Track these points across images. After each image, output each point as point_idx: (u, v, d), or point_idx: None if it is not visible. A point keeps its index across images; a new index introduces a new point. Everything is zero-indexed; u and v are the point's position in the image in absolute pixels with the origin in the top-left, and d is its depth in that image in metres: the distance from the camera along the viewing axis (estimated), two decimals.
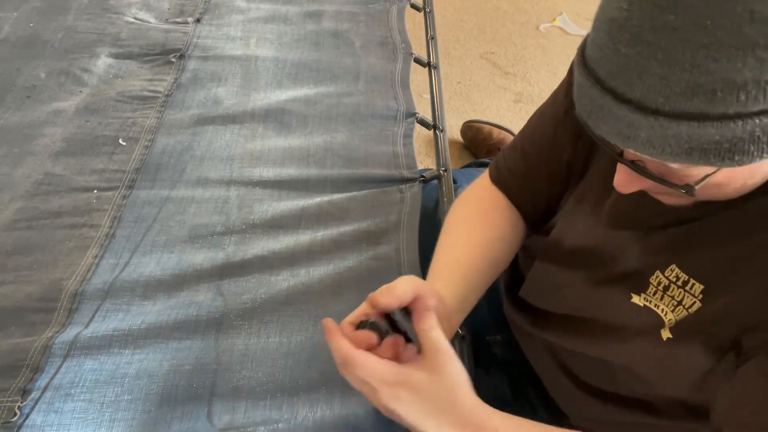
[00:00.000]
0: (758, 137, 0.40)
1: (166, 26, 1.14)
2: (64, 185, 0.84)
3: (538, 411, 0.76)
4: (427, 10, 1.22)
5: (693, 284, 0.53)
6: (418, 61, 1.12)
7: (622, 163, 0.48)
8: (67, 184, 0.84)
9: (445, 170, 0.91)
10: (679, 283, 0.54)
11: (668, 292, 0.56)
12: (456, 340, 0.69)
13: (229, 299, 0.72)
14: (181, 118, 0.96)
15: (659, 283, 0.56)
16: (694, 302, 0.53)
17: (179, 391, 0.63)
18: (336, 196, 0.86)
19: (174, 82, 1.02)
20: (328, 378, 0.64)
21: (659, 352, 0.57)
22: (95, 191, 0.83)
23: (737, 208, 0.51)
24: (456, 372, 0.51)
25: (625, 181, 0.50)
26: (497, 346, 0.80)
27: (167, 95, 1.00)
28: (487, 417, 0.51)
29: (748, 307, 0.50)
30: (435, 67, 1.10)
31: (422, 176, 0.90)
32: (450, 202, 0.86)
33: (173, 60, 1.06)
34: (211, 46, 1.11)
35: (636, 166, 0.47)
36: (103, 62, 1.05)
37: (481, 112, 1.83)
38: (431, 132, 1.01)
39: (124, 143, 0.91)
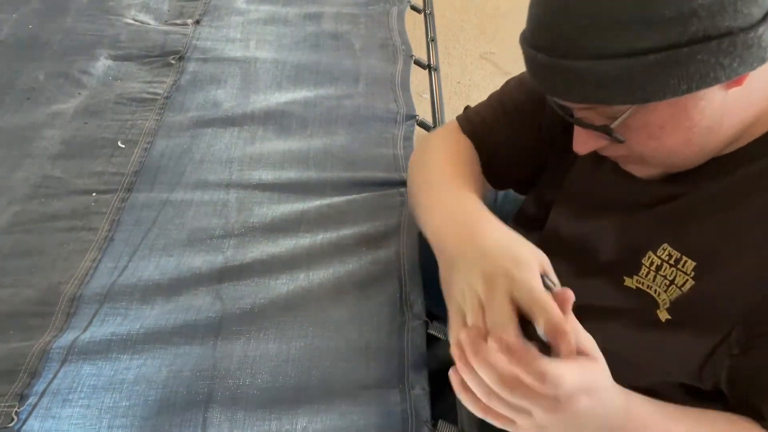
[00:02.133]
0: (656, 75, 0.44)
1: (165, 28, 1.14)
2: (62, 188, 0.83)
3: None
4: (427, 11, 1.22)
5: (685, 261, 0.54)
6: (418, 63, 1.12)
7: (570, 121, 0.53)
8: (66, 187, 0.83)
9: None
10: (672, 261, 0.55)
11: (660, 272, 0.56)
12: None
13: (228, 303, 0.71)
14: (180, 121, 0.96)
15: (651, 264, 0.57)
16: (687, 280, 0.54)
17: (178, 397, 0.62)
18: (336, 199, 0.85)
19: (173, 84, 1.02)
20: (328, 386, 0.64)
21: (657, 336, 0.56)
22: (94, 194, 0.83)
23: (719, 181, 0.53)
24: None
25: (577, 141, 0.54)
26: None
27: (166, 97, 0.99)
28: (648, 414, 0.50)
29: (744, 282, 0.51)
30: (435, 69, 1.10)
31: None
32: None
33: (172, 62, 1.06)
34: (210, 47, 1.10)
35: (580, 122, 0.52)
36: (102, 64, 1.05)
37: None
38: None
39: (123, 146, 0.90)
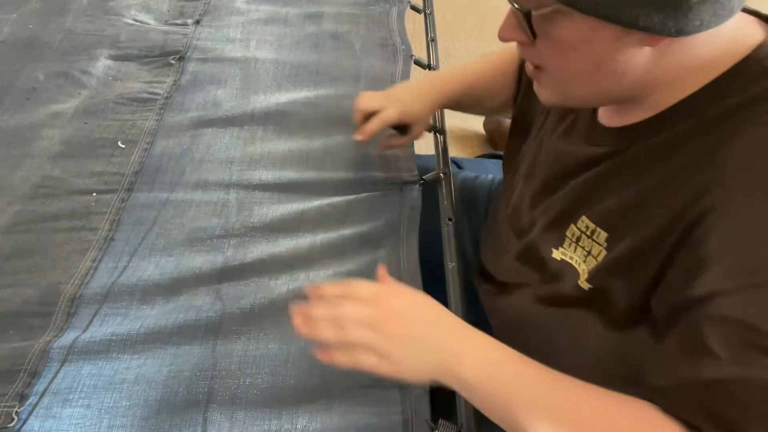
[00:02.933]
0: None
1: (165, 28, 1.14)
2: (62, 188, 0.83)
3: None
4: (427, 11, 1.22)
5: (599, 233, 0.56)
6: (418, 63, 1.12)
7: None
8: (66, 187, 0.84)
9: (445, 172, 0.91)
10: (588, 232, 0.57)
11: (580, 243, 0.58)
12: None
13: (228, 303, 0.72)
14: (180, 121, 0.96)
15: (573, 235, 0.59)
16: (601, 251, 0.56)
17: (178, 397, 0.62)
18: (336, 199, 0.85)
19: (173, 84, 1.02)
20: (328, 386, 0.64)
21: (582, 306, 0.58)
22: (94, 194, 0.83)
23: (643, 143, 0.54)
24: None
25: (503, 25, 0.54)
26: (487, 326, 0.80)
27: (166, 97, 0.99)
28: (476, 336, 0.55)
29: (649, 250, 0.51)
30: (435, 69, 1.10)
31: (422, 178, 0.89)
32: (450, 203, 0.86)
33: (172, 62, 1.06)
34: (210, 47, 1.10)
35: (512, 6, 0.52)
36: (102, 64, 1.05)
37: None
38: (431, 133, 1.00)
39: (123, 146, 0.90)
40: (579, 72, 0.52)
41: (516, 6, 0.50)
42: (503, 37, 0.55)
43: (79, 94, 0.99)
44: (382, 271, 0.60)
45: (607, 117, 0.60)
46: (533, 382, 0.51)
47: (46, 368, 0.63)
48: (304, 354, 0.67)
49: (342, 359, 0.55)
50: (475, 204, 0.92)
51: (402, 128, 0.86)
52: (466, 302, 0.74)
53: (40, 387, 0.62)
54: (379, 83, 1.05)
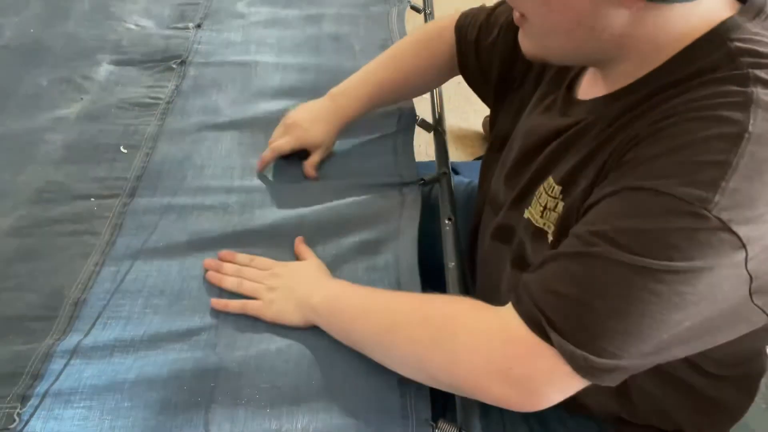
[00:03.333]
0: None
1: (166, 32, 1.15)
2: (65, 193, 0.84)
3: None
4: (427, 11, 1.22)
5: (555, 188, 0.59)
6: None
7: None
8: (69, 192, 0.84)
9: (445, 172, 0.91)
10: (549, 190, 0.60)
11: (539, 200, 0.62)
12: None
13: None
14: (182, 126, 0.96)
15: (539, 195, 0.62)
16: (557, 203, 0.59)
17: (179, 398, 0.62)
18: (336, 201, 0.85)
19: (175, 89, 1.02)
20: (328, 386, 0.64)
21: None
22: (96, 199, 0.84)
23: (606, 112, 0.56)
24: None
25: None
26: None
27: (168, 102, 1.00)
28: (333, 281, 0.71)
29: (583, 198, 0.54)
30: None
31: (422, 179, 0.89)
32: (450, 203, 0.86)
33: (174, 66, 1.07)
34: (211, 51, 1.11)
35: None
36: (104, 69, 1.05)
37: (482, 112, 1.83)
38: (431, 133, 1.00)
39: (125, 151, 0.91)
40: (559, 25, 0.53)
41: None
42: None
43: (81, 99, 1.00)
44: (298, 241, 0.78)
45: (583, 92, 0.63)
46: (362, 298, 0.66)
47: (49, 370, 0.63)
48: (305, 354, 0.67)
49: (234, 305, 0.71)
50: (471, 208, 0.92)
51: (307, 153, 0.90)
52: None
53: (42, 388, 0.62)
54: None
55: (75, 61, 1.07)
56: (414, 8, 1.24)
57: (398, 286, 0.74)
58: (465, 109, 1.86)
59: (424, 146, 1.64)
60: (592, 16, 0.50)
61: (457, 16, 0.87)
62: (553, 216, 0.59)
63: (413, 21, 1.23)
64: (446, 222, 0.83)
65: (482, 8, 0.85)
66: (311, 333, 0.69)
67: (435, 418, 0.62)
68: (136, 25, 1.16)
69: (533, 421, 0.73)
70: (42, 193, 0.84)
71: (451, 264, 0.78)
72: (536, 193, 0.63)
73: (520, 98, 0.78)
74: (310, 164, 0.89)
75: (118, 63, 1.07)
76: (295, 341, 0.68)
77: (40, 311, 0.70)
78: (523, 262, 0.64)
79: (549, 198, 0.60)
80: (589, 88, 0.62)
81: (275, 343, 0.68)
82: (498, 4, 0.84)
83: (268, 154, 0.87)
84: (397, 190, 0.87)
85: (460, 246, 0.81)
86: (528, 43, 0.58)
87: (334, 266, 0.76)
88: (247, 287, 0.72)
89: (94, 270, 0.75)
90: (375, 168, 0.91)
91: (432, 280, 0.77)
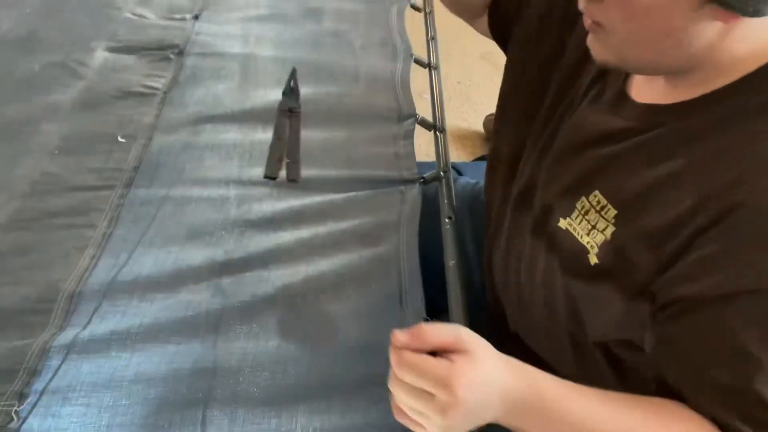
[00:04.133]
0: None
1: (164, 22, 1.13)
2: (61, 184, 0.83)
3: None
4: (428, 10, 1.22)
5: (609, 209, 0.56)
6: (418, 61, 1.11)
7: None
8: (64, 184, 0.83)
9: (446, 171, 0.91)
10: (598, 207, 0.57)
11: (586, 217, 0.58)
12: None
13: (228, 300, 0.71)
14: (179, 116, 0.95)
15: (583, 208, 0.59)
16: (608, 226, 0.55)
17: (177, 395, 0.62)
18: (335, 197, 0.85)
19: (172, 79, 1.01)
20: (328, 384, 0.64)
21: (587, 282, 0.59)
22: (93, 190, 0.82)
23: (672, 125, 0.53)
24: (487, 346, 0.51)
25: None
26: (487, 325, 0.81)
27: (165, 92, 0.99)
28: (542, 382, 0.51)
29: (656, 238, 0.52)
30: (435, 68, 1.10)
31: (422, 177, 0.89)
32: (450, 202, 0.86)
33: (171, 56, 1.05)
34: (209, 43, 1.10)
35: None
36: (99, 56, 1.04)
37: (482, 112, 1.83)
38: (431, 132, 1.00)
39: (123, 140, 0.90)
40: (646, 37, 0.50)
41: None
42: None
43: (77, 85, 0.98)
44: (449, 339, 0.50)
45: (638, 92, 0.59)
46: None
47: (46, 367, 0.62)
48: (304, 352, 0.67)
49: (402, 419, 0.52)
50: (477, 209, 0.92)
51: None
52: (466, 301, 0.74)
53: (39, 386, 0.61)
54: (378, 82, 1.05)
55: (69, 47, 1.04)
56: (414, 7, 1.24)
57: (399, 279, 0.74)
58: (465, 109, 1.86)
59: (424, 146, 1.64)
60: (683, 29, 0.48)
61: None
62: (600, 238, 0.56)
63: (413, 19, 1.23)
64: (446, 221, 0.83)
65: None
66: (312, 331, 0.69)
67: None
68: (134, 14, 1.14)
69: None
70: (37, 185, 0.82)
71: (451, 262, 0.78)
72: (579, 204, 0.59)
73: (550, 45, 0.73)
74: None
75: (114, 50, 1.05)
76: (295, 339, 0.68)
77: (37, 305, 0.69)
78: (560, 270, 0.62)
79: (600, 218, 0.57)
80: (647, 89, 0.58)
81: (275, 340, 0.68)
82: None
83: None
84: (397, 186, 0.87)
85: (460, 245, 0.81)
86: (601, 51, 0.54)
87: (335, 262, 0.76)
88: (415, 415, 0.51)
89: (91, 262, 0.74)
90: (376, 163, 0.91)
91: (432, 279, 0.77)
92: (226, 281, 0.73)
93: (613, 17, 0.50)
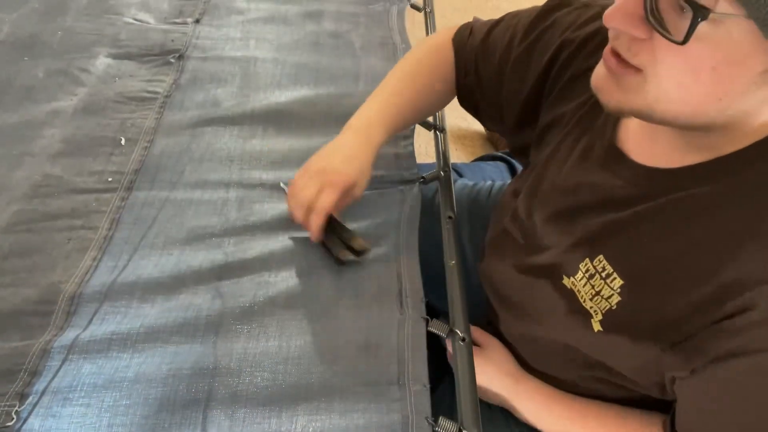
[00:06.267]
0: None
1: (165, 27, 1.14)
2: (62, 187, 0.83)
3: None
4: (428, 10, 1.22)
5: (615, 278, 0.53)
6: None
7: None
8: (66, 186, 0.83)
9: (446, 171, 0.91)
10: (603, 274, 0.54)
11: (591, 281, 0.55)
12: (456, 342, 0.69)
13: (228, 301, 0.71)
14: (180, 120, 0.95)
15: (587, 270, 0.56)
16: (613, 294, 0.53)
17: (178, 396, 0.62)
18: None
19: (173, 83, 1.02)
20: (328, 384, 0.64)
21: (593, 340, 0.57)
22: (94, 193, 0.83)
23: (682, 192, 0.49)
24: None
25: (618, 8, 0.43)
26: (487, 327, 0.81)
27: (166, 96, 0.99)
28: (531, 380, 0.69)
29: (668, 314, 0.49)
30: None
31: (422, 177, 0.89)
32: (450, 202, 0.86)
33: (172, 61, 1.06)
34: (210, 46, 1.10)
35: None
36: (101, 62, 1.04)
37: None
38: (431, 132, 1.00)
39: (124, 143, 0.90)
40: (697, 96, 0.43)
41: (689, 2, 0.39)
42: (615, 24, 0.43)
43: (79, 92, 0.99)
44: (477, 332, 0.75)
45: (637, 150, 0.54)
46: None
47: (47, 367, 0.63)
48: (304, 352, 0.67)
49: None
50: (476, 210, 0.91)
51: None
52: (466, 301, 0.74)
53: (40, 386, 0.61)
54: (379, 82, 1.05)
55: (72, 53, 1.05)
56: (414, 7, 1.24)
57: (399, 280, 0.74)
58: None
59: (424, 146, 1.64)
60: (743, 93, 0.42)
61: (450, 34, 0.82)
62: (604, 305, 0.54)
63: (413, 19, 1.23)
64: (447, 220, 0.83)
65: (476, 28, 0.79)
66: (312, 331, 0.69)
67: (435, 417, 0.62)
68: (135, 19, 1.15)
69: None
70: (39, 187, 0.83)
71: (451, 262, 0.78)
72: (582, 266, 0.56)
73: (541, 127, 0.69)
74: (350, 200, 0.76)
75: (115, 56, 1.06)
76: (295, 339, 0.68)
77: (37, 306, 0.69)
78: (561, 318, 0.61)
79: (605, 285, 0.53)
80: (647, 147, 0.53)
81: (275, 340, 0.68)
82: (494, 25, 0.78)
83: (316, 219, 0.72)
84: (397, 186, 0.87)
85: (460, 244, 0.81)
86: (621, 97, 0.47)
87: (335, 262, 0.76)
88: None
89: (92, 264, 0.74)
90: (376, 166, 0.90)
91: (432, 279, 0.77)
92: (226, 283, 0.74)
93: (662, 65, 0.43)
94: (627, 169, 0.53)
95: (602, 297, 0.54)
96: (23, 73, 1.01)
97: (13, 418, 0.58)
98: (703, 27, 0.39)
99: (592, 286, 0.55)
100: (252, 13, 1.20)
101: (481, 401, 0.66)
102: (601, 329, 0.55)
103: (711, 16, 0.38)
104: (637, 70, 0.44)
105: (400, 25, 1.18)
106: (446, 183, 0.89)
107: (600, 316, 0.54)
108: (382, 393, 0.64)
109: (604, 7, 0.45)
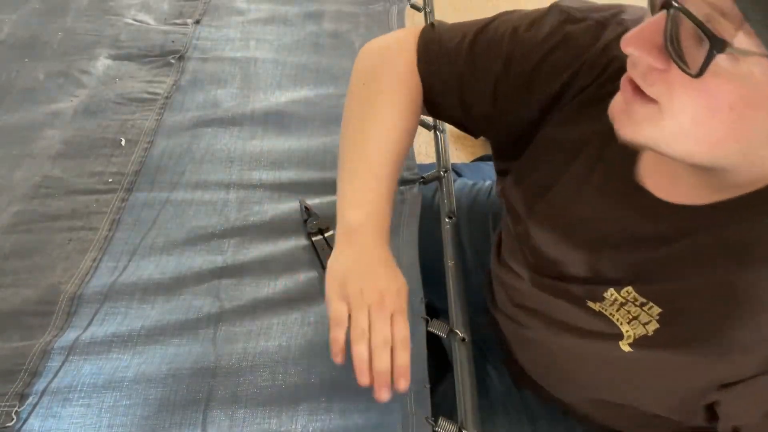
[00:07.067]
0: None
1: (165, 27, 1.14)
2: (62, 188, 0.83)
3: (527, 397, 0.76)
4: (428, 10, 1.22)
5: (652, 306, 0.51)
6: None
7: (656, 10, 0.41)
8: (66, 187, 0.83)
9: (446, 171, 0.91)
10: (638, 303, 0.52)
11: (625, 307, 0.53)
12: (456, 343, 0.69)
13: (228, 302, 0.72)
14: (180, 120, 0.95)
15: (615, 300, 0.54)
16: (651, 321, 0.51)
17: (178, 396, 0.62)
18: (335, 198, 0.85)
19: (173, 84, 1.02)
20: (328, 385, 0.64)
21: (623, 363, 0.55)
22: (94, 194, 0.83)
23: (718, 230, 0.46)
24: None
25: (638, 34, 0.41)
26: (486, 328, 0.80)
27: (166, 97, 0.99)
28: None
29: (709, 345, 0.48)
30: None
31: (422, 177, 0.89)
32: (450, 202, 0.86)
33: (172, 61, 1.06)
34: (210, 47, 1.10)
35: (684, 9, 0.38)
36: (102, 64, 1.04)
37: None
38: (431, 132, 1.00)
39: (124, 144, 0.90)
40: (714, 135, 0.40)
41: (705, 32, 0.36)
42: (632, 50, 0.41)
43: (79, 93, 0.99)
44: None
45: (656, 185, 0.51)
46: None
47: (47, 368, 0.63)
48: (304, 353, 0.67)
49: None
50: (476, 210, 0.91)
51: None
52: (465, 301, 0.74)
53: (40, 386, 0.62)
54: None
55: (73, 55, 1.05)
56: (414, 7, 1.24)
57: None
58: None
59: (424, 146, 1.64)
60: (760, 139, 0.40)
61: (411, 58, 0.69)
62: (641, 331, 0.52)
63: (413, 19, 1.23)
64: (446, 220, 0.83)
65: (446, 37, 0.68)
66: (312, 331, 0.69)
67: (435, 417, 0.62)
68: (135, 20, 1.15)
69: (540, 423, 0.73)
70: (39, 188, 0.83)
71: (450, 262, 0.78)
72: (607, 294, 0.54)
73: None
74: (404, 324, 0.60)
75: (116, 57, 1.06)
76: (295, 339, 0.68)
77: (38, 307, 0.69)
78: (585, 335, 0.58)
79: (642, 312, 0.51)
80: (668, 182, 0.50)
81: (275, 341, 0.68)
82: (478, 31, 0.65)
83: (405, 354, 0.58)
84: (398, 189, 0.87)
85: (460, 245, 0.81)
86: (636, 129, 0.44)
87: None
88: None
89: (92, 265, 0.74)
90: None
91: (432, 279, 0.77)
92: (226, 283, 0.74)
93: (677, 98, 0.40)
94: (653, 207, 0.51)
95: (640, 322, 0.52)
96: (24, 75, 1.01)
97: (13, 419, 0.59)
98: (721, 61, 0.37)
99: (628, 312, 0.52)
100: (252, 13, 1.20)
101: (481, 401, 0.66)
102: (630, 350, 0.53)
103: (728, 50, 0.36)
104: (653, 101, 0.42)
105: (400, 25, 1.18)
106: (446, 183, 0.89)
107: (632, 339, 0.53)
108: None
109: (623, 29, 0.43)
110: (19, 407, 0.60)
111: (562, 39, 0.57)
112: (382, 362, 0.56)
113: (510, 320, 0.70)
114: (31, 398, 0.61)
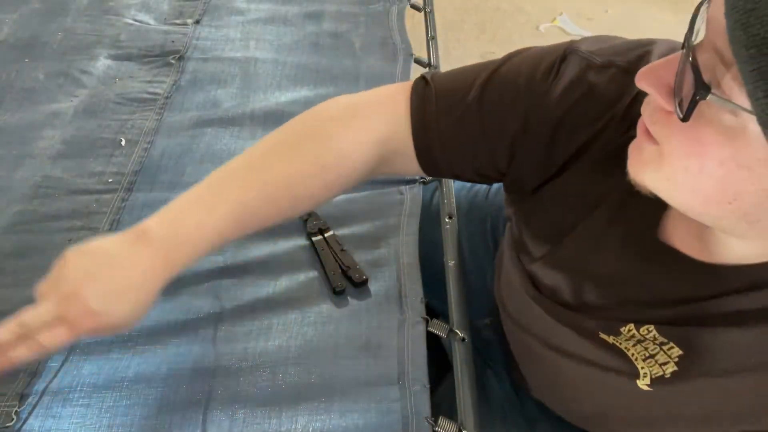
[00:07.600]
0: None
1: (165, 28, 1.14)
2: (62, 188, 0.83)
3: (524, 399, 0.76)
4: (427, 10, 1.22)
5: (672, 347, 0.49)
6: (418, 61, 1.11)
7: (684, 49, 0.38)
8: (66, 187, 0.83)
9: None
10: (657, 342, 0.50)
11: (642, 344, 0.51)
12: (456, 343, 0.69)
13: (228, 303, 0.72)
14: (180, 120, 0.96)
15: (632, 336, 0.51)
16: (669, 362, 0.49)
17: (178, 396, 0.62)
18: (335, 198, 0.85)
19: (173, 84, 1.02)
20: (328, 384, 0.64)
21: (636, 399, 0.54)
22: (94, 194, 0.83)
23: (756, 291, 0.44)
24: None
25: (653, 72, 0.39)
26: (486, 330, 0.80)
27: (166, 97, 0.99)
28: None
29: (726, 395, 0.48)
30: (436, 68, 1.10)
31: (422, 178, 0.89)
32: (449, 203, 0.86)
33: (172, 62, 1.06)
34: (210, 47, 1.10)
35: (691, 61, 0.35)
36: (102, 64, 1.05)
37: None
38: None
39: (124, 144, 0.90)
40: (705, 187, 0.38)
41: (694, 73, 0.35)
42: (644, 84, 0.39)
43: (79, 93, 0.99)
44: None
45: (685, 243, 0.48)
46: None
47: (47, 368, 0.63)
48: (304, 353, 0.67)
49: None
50: (475, 211, 0.91)
51: None
52: (465, 301, 0.74)
53: (40, 386, 0.62)
54: (378, 82, 1.05)
55: (73, 55, 1.06)
56: (414, 7, 1.24)
57: (399, 280, 0.74)
58: None
59: None
60: (754, 204, 0.37)
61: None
62: (657, 371, 0.50)
63: (413, 19, 1.23)
64: (447, 220, 0.83)
65: (441, 95, 0.60)
66: (311, 332, 0.69)
67: (435, 417, 0.62)
68: (134, 20, 1.15)
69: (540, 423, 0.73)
70: (39, 188, 0.83)
71: (451, 262, 0.78)
72: (624, 329, 0.51)
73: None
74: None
75: (116, 58, 1.06)
76: (295, 339, 0.68)
77: None
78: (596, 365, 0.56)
79: (660, 351, 0.49)
80: (693, 241, 0.47)
81: (275, 341, 0.68)
82: (484, 83, 0.57)
83: (25, 351, 0.52)
84: (397, 186, 0.87)
85: (459, 245, 0.81)
86: (640, 169, 0.43)
87: None
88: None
89: None
90: None
91: (432, 279, 0.77)
92: (226, 284, 0.74)
93: (673, 143, 0.39)
94: (681, 266, 0.48)
95: (657, 362, 0.50)
96: (24, 75, 1.01)
97: (13, 419, 0.59)
98: (710, 109, 0.35)
99: (645, 348, 0.50)
100: (252, 13, 1.20)
101: (481, 401, 0.66)
102: (649, 389, 0.51)
103: (711, 95, 0.34)
104: (656, 141, 0.41)
105: (400, 25, 1.18)
106: (446, 183, 0.89)
107: (648, 380, 0.51)
108: (382, 393, 0.64)
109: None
110: (19, 407, 0.60)
111: (586, 92, 0.52)
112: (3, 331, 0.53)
113: (517, 326, 0.68)
114: (31, 398, 0.61)
